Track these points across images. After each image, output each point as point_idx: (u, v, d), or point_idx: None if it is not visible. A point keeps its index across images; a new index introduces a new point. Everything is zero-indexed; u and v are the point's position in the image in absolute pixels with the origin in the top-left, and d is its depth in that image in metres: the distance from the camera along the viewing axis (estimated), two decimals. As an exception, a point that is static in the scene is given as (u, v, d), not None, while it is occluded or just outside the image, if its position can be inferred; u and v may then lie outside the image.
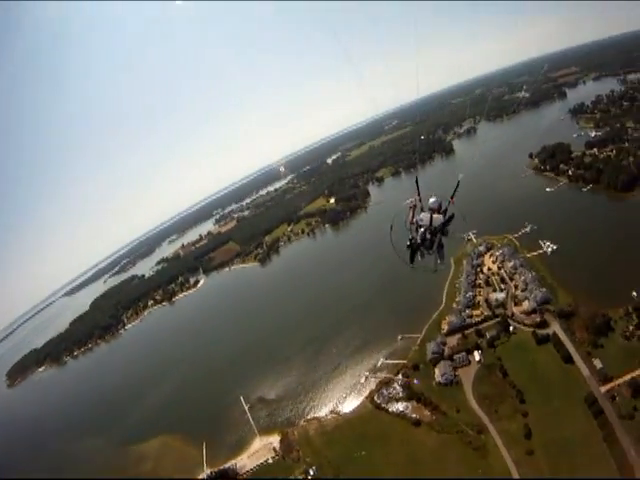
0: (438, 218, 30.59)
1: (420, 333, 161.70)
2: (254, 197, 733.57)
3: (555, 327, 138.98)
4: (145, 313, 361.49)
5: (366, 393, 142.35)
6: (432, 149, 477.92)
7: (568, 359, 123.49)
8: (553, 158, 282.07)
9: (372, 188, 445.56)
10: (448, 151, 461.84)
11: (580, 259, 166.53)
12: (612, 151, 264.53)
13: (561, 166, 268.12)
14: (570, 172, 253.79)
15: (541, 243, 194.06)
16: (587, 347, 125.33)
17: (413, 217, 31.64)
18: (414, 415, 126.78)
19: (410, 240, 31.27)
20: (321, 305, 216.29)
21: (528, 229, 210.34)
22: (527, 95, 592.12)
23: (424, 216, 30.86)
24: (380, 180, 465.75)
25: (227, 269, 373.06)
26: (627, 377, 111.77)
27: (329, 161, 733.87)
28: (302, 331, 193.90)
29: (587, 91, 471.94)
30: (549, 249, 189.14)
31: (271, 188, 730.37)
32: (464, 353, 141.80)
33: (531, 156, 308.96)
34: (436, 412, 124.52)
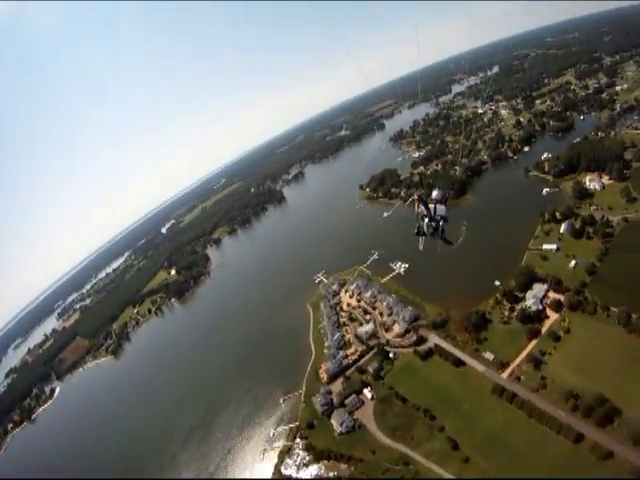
0: (441, 208, 37.46)
1: (301, 389, 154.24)
2: (94, 282, 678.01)
3: (434, 339, 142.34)
4: (8, 440, 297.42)
5: (271, 469, 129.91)
6: (264, 200, 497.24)
7: (459, 363, 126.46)
8: (383, 184, 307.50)
9: (211, 251, 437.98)
10: (280, 199, 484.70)
11: (434, 269, 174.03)
12: (437, 165, 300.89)
13: (392, 190, 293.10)
14: (402, 193, 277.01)
15: (392, 265, 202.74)
16: (472, 345, 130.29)
17: (418, 208, 37.37)
18: (332, 474, 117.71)
19: (417, 228, 38.00)
20: (186, 390, 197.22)
21: (376, 255, 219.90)
22: (348, 133, 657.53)
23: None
24: (218, 241, 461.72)
25: (81, 369, 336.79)
26: (523, 355, 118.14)
27: (164, 230, 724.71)
28: (178, 423, 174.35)
29: (404, 119, 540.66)
30: (402, 269, 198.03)
31: (109, 269, 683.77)
32: (354, 395, 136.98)
33: (362, 187, 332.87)
34: (352, 462, 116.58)
